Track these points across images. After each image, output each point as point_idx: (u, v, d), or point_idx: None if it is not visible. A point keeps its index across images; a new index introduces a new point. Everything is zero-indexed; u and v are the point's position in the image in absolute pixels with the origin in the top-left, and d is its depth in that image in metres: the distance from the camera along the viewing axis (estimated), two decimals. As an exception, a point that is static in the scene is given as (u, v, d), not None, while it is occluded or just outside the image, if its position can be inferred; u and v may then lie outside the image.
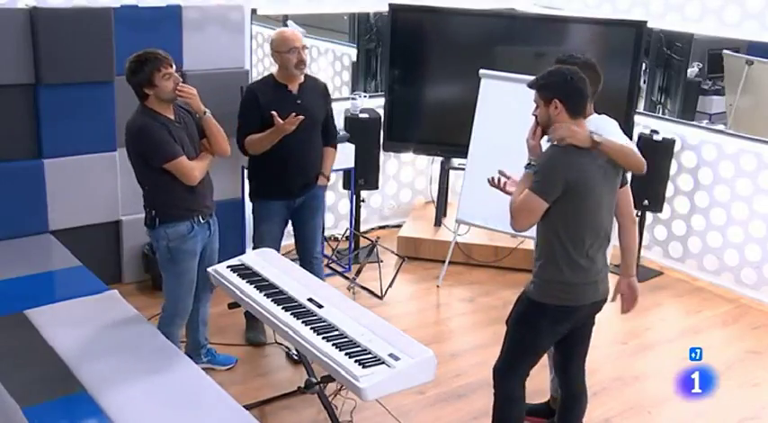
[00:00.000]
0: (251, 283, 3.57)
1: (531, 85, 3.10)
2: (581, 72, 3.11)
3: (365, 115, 5.60)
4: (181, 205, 3.73)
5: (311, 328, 3.18)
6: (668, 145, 5.54)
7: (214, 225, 3.92)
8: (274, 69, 4.27)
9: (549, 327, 3.17)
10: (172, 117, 3.70)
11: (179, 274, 3.81)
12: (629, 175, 3.27)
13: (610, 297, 3.32)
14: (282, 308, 3.35)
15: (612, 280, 5.52)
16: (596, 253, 3.12)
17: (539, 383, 3.71)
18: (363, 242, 5.82)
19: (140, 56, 3.63)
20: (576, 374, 3.39)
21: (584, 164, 3.00)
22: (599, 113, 3.47)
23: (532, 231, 3.21)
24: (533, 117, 3.12)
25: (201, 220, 3.81)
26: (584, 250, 3.08)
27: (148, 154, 3.62)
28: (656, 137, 5.51)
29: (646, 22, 5.48)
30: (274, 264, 3.74)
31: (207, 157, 3.82)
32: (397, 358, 2.94)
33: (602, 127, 3.25)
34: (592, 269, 3.12)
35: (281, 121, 4.01)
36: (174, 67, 3.67)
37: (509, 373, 3.28)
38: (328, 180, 4.49)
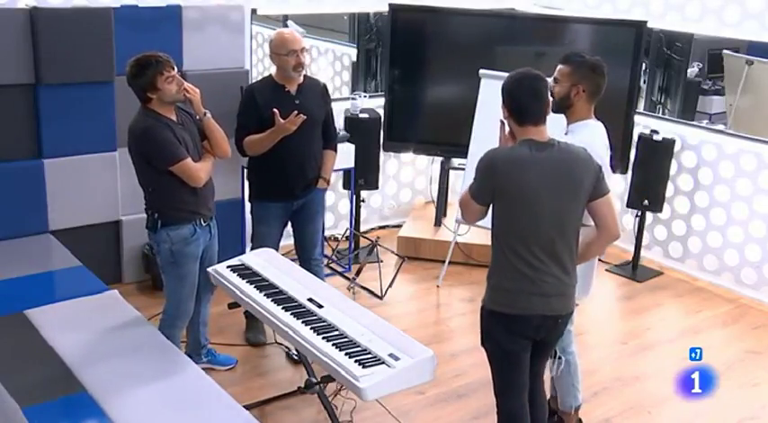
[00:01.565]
0: (251, 283, 3.57)
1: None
2: (538, 81, 2.97)
3: (365, 115, 5.60)
4: (184, 208, 3.72)
5: (311, 328, 3.18)
6: (668, 145, 5.54)
7: (214, 228, 3.92)
8: (274, 69, 4.27)
9: (505, 334, 3.06)
10: (174, 118, 3.69)
11: (181, 277, 3.81)
12: (610, 184, 3.09)
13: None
14: (282, 308, 3.35)
15: (612, 281, 5.50)
16: (545, 264, 2.97)
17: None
18: (363, 242, 5.82)
19: (141, 60, 3.60)
20: (533, 384, 3.24)
21: (523, 171, 2.90)
22: (597, 117, 3.46)
23: None
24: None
25: (203, 223, 3.81)
26: (525, 258, 2.96)
27: (153, 156, 3.61)
28: (656, 137, 5.51)
29: (646, 22, 5.48)
30: (274, 264, 3.74)
31: (210, 158, 3.82)
32: (397, 358, 2.94)
33: (587, 137, 3.21)
34: (537, 280, 2.97)
35: (281, 121, 4.01)
36: (175, 69, 3.67)
37: (506, 391, 3.17)
38: (328, 183, 4.47)
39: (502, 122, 3.07)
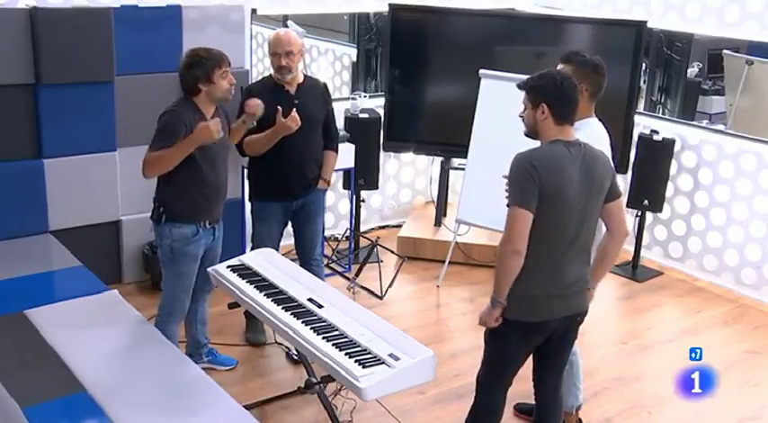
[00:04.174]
0: (251, 283, 3.57)
1: (520, 87, 3.05)
2: (572, 78, 3.05)
3: (365, 115, 5.60)
4: (190, 208, 3.72)
5: (311, 328, 3.18)
6: (668, 145, 5.54)
7: (219, 231, 3.92)
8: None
9: (518, 340, 3.09)
10: (208, 117, 3.66)
11: (178, 275, 3.81)
12: (621, 187, 3.14)
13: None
14: (282, 308, 3.35)
15: (612, 281, 5.48)
16: (566, 264, 3.01)
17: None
18: (363, 242, 5.82)
19: (200, 50, 3.62)
20: (551, 389, 3.30)
21: (563, 169, 2.92)
22: (599, 117, 3.47)
23: None
24: (521, 118, 3.07)
25: (207, 226, 3.81)
26: (547, 259, 2.98)
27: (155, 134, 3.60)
28: (656, 137, 5.51)
29: (646, 22, 5.47)
30: (274, 264, 3.74)
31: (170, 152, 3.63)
32: (397, 358, 2.94)
33: (589, 135, 3.23)
34: (558, 281, 3.01)
35: (282, 119, 4.01)
36: (231, 66, 3.68)
37: (491, 384, 3.22)
38: (329, 184, 4.46)
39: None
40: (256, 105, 3.93)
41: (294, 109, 4.08)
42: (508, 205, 2.94)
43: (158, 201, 3.76)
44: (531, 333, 3.09)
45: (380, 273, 5.15)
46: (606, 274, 3.28)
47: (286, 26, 5.48)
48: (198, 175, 3.68)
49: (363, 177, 5.60)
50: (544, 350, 3.19)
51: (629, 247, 5.78)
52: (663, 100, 6.23)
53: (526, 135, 3.08)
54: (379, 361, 2.95)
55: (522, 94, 3.05)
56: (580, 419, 3.83)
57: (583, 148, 3.00)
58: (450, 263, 5.49)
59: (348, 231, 5.72)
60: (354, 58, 6.60)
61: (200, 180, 3.70)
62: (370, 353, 3.00)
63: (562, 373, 3.33)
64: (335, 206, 6.07)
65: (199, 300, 4.06)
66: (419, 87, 5.90)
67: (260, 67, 6.31)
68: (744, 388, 4.34)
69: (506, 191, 3.01)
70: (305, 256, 4.49)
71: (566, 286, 3.04)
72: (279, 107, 4.01)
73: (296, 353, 4.20)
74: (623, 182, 5.76)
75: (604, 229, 3.22)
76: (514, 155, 2.98)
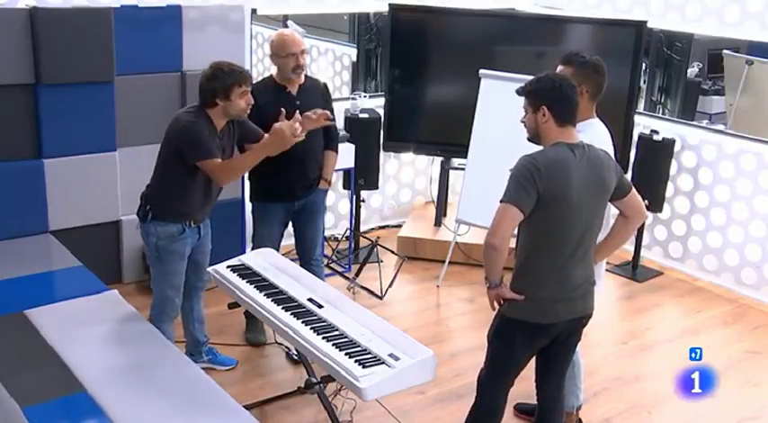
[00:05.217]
0: (251, 283, 3.58)
1: (519, 92, 3.05)
2: (570, 79, 3.06)
3: (365, 115, 5.60)
4: (176, 210, 3.73)
5: (311, 328, 3.19)
6: (668, 145, 5.54)
7: (205, 228, 3.92)
8: (274, 70, 4.27)
9: (523, 341, 3.10)
10: (219, 130, 3.68)
11: (165, 273, 3.82)
12: (628, 178, 3.21)
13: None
14: (282, 308, 3.36)
15: (612, 281, 5.49)
16: (573, 268, 3.02)
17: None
18: (363, 242, 5.82)
19: (224, 65, 3.62)
20: (553, 390, 3.31)
21: (568, 172, 2.91)
22: (600, 117, 3.47)
23: None
24: (522, 123, 3.07)
25: (192, 225, 3.81)
26: (554, 261, 2.99)
27: (187, 148, 3.58)
28: (656, 137, 5.51)
29: (646, 22, 5.47)
30: (274, 264, 3.75)
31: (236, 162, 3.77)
32: (397, 358, 2.94)
33: (592, 136, 3.22)
34: (565, 285, 3.02)
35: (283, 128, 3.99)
36: (251, 85, 3.68)
37: (493, 385, 3.23)
38: (330, 184, 4.47)
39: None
40: None
41: (297, 109, 4.07)
42: (501, 200, 2.93)
43: (146, 198, 3.78)
44: (537, 335, 3.09)
45: (380, 273, 5.14)
46: (612, 253, 3.35)
47: (286, 26, 5.49)
48: (198, 182, 3.69)
49: (363, 177, 5.60)
50: (548, 352, 3.20)
51: (629, 247, 5.79)
52: (663, 100, 6.23)
53: (529, 140, 3.08)
54: (379, 361, 2.95)
55: (522, 100, 3.04)
56: (580, 419, 3.83)
57: (586, 150, 3.00)
58: (450, 263, 5.49)
59: (348, 231, 5.72)
60: (354, 58, 6.60)
61: (199, 187, 3.72)
62: (370, 353, 3.00)
63: (565, 375, 3.34)
64: (335, 206, 6.07)
65: (193, 297, 4.06)
66: (419, 87, 5.90)
67: (260, 68, 6.32)
68: (744, 388, 4.34)
69: None
70: (305, 257, 4.50)
71: (572, 289, 3.04)
72: (282, 109, 4.01)
73: (296, 353, 4.20)
74: (623, 182, 5.77)
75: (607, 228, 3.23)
76: (520, 157, 2.97)
